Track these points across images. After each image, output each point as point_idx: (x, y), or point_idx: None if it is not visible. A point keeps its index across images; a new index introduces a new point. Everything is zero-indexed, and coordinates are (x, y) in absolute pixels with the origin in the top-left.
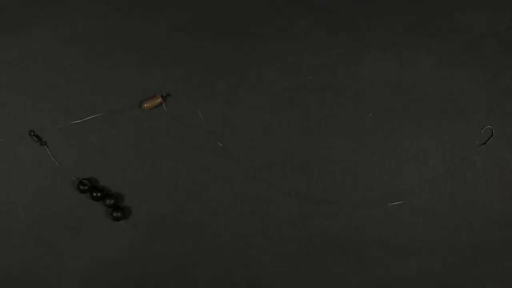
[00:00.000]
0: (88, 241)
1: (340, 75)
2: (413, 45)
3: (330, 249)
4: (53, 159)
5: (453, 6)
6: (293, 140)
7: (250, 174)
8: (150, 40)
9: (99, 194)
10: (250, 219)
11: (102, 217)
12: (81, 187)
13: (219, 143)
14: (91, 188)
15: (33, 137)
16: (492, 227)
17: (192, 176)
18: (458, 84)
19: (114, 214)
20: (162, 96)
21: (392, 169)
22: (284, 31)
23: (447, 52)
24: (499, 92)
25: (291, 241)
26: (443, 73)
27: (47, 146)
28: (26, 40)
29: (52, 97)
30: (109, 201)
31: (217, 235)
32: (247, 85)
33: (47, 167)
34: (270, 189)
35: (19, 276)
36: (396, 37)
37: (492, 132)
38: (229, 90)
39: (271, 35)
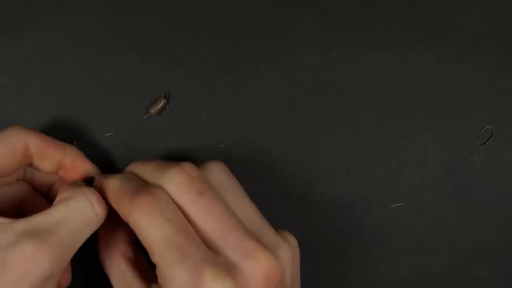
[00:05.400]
0: (88, 241)
1: (340, 75)
2: (413, 45)
3: (330, 249)
4: None
5: (453, 6)
6: (293, 140)
7: (250, 174)
8: (150, 40)
9: None
10: None
11: None
12: None
13: (221, 143)
14: None
15: None
16: (492, 227)
17: None
18: (458, 84)
19: None
20: (164, 97)
21: (392, 169)
22: (284, 31)
23: (447, 52)
24: (499, 92)
25: None
26: (443, 73)
27: None
28: (26, 40)
29: (52, 97)
30: None
31: None
32: (247, 85)
33: None
34: (270, 189)
35: None
36: (396, 37)
37: (492, 132)
38: (229, 90)
39: (271, 35)
